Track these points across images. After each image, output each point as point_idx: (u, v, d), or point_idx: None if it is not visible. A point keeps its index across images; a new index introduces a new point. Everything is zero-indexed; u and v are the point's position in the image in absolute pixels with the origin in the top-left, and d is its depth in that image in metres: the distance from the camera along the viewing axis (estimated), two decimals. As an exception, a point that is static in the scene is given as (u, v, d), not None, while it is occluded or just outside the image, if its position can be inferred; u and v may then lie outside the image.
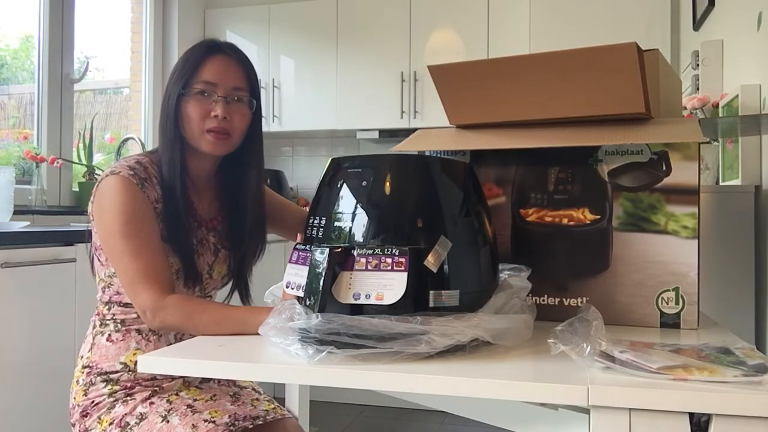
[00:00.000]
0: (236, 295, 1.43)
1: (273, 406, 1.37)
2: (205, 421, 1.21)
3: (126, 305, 1.30)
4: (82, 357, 1.33)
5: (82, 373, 1.30)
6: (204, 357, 0.95)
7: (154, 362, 0.96)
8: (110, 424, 1.24)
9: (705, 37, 2.64)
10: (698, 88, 2.47)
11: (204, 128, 1.26)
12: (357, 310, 0.88)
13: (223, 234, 1.38)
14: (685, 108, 2.12)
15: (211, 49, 1.29)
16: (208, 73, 1.27)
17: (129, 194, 1.21)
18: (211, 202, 1.39)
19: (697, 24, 2.80)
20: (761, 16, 1.98)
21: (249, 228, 1.38)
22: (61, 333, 2.10)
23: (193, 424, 1.19)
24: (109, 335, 1.30)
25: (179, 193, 1.27)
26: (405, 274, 0.87)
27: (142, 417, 1.23)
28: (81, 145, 3.10)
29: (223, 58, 1.29)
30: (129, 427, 1.22)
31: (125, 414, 1.24)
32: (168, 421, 1.21)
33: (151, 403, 1.25)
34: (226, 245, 1.38)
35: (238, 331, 1.09)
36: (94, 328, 1.33)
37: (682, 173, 1.14)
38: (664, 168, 1.15)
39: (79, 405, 1.28)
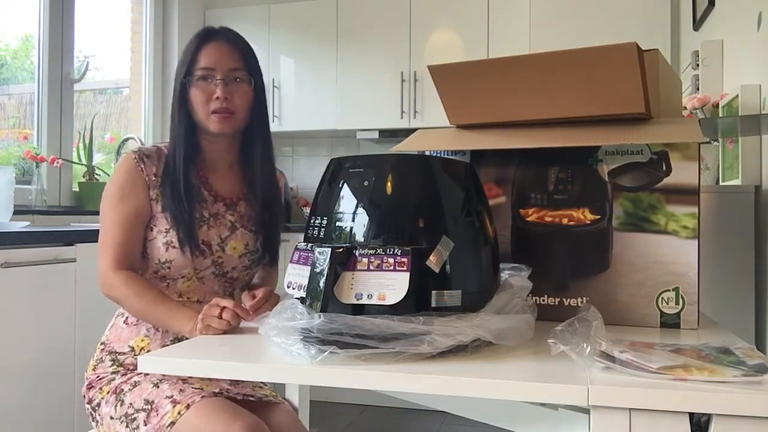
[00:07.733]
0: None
1: (273, 393, 1.42)
2: (194, 387, 1.27)
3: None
4: (104, 334, 1.43)
5: (98, 349, 1.41)
6: (205, 357, 0.96)
7: (155, 362, 0.97)
8: (108, 393, 1.33)
9: (705, 37, 2.64)
10: (698, 88, 2.47)
11: (209, 110, 1.37)
12: (359, 310, 0.88)
13: (244, 215, 1.46)
14: (685, 108, 2.12)
15: (205, 38, 1.39)
16: (205, 60, 1.37)
17: (123, 169, 1.38)
18: (233, 184, 1.47)
19: (697, 24, 2.80)
20: (761, 16, 1.99)
21: (262, 202, 1.46)
22: (61, 333, 2.10)
23: (180, 389, 1.26)
24: (127, 318, 1.40)
25: (181, 168, 1.37)
26: (407, 274, 0.87)
27: (135, 384, 1.31)
28: (81, 145, 3.10)
29: (216, 43, 1.39)
30: (123, 393, 1.31)
31: (121, 383, 1.32)
32: (158, 387, 1.28)
33: (146, 374, 1.32)
34: (246, 225, 1.45)
35: (161, 326, 1.34)
36: (117, 309, 1.43)
37: (682, 173, 1.14)
38: (664, 168, 1.15)
39: (88, 378, 1.39)
